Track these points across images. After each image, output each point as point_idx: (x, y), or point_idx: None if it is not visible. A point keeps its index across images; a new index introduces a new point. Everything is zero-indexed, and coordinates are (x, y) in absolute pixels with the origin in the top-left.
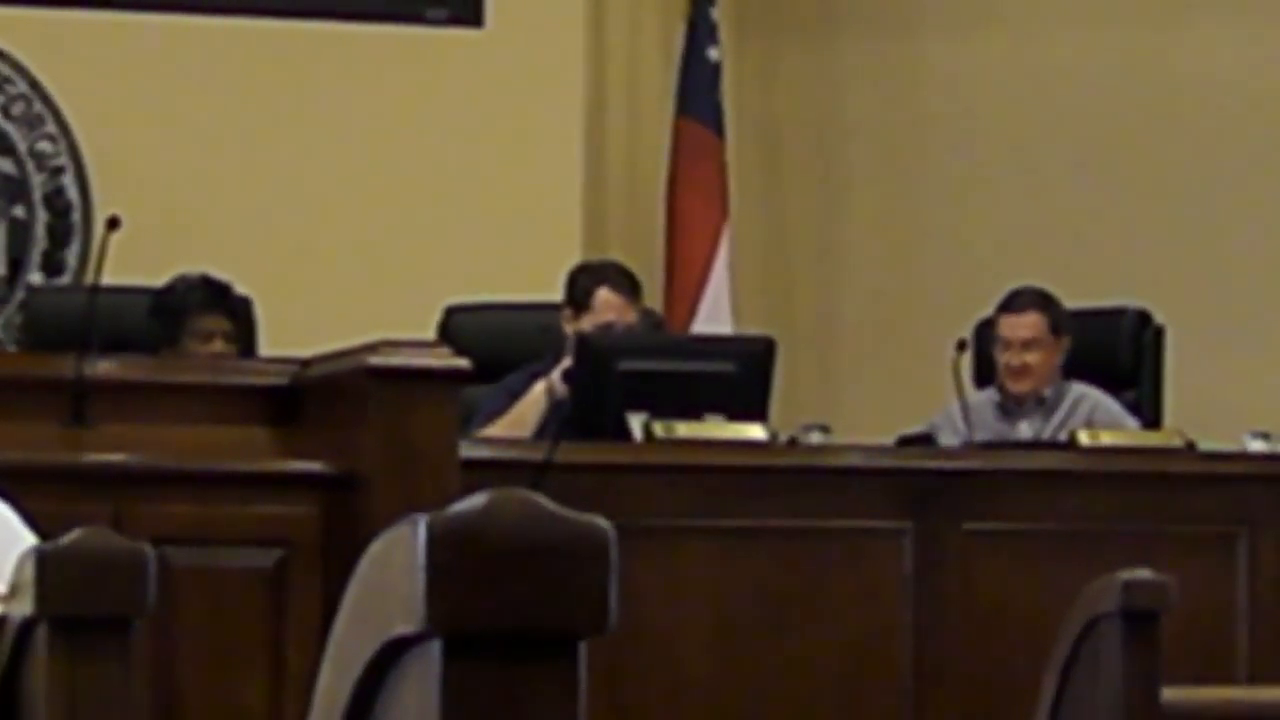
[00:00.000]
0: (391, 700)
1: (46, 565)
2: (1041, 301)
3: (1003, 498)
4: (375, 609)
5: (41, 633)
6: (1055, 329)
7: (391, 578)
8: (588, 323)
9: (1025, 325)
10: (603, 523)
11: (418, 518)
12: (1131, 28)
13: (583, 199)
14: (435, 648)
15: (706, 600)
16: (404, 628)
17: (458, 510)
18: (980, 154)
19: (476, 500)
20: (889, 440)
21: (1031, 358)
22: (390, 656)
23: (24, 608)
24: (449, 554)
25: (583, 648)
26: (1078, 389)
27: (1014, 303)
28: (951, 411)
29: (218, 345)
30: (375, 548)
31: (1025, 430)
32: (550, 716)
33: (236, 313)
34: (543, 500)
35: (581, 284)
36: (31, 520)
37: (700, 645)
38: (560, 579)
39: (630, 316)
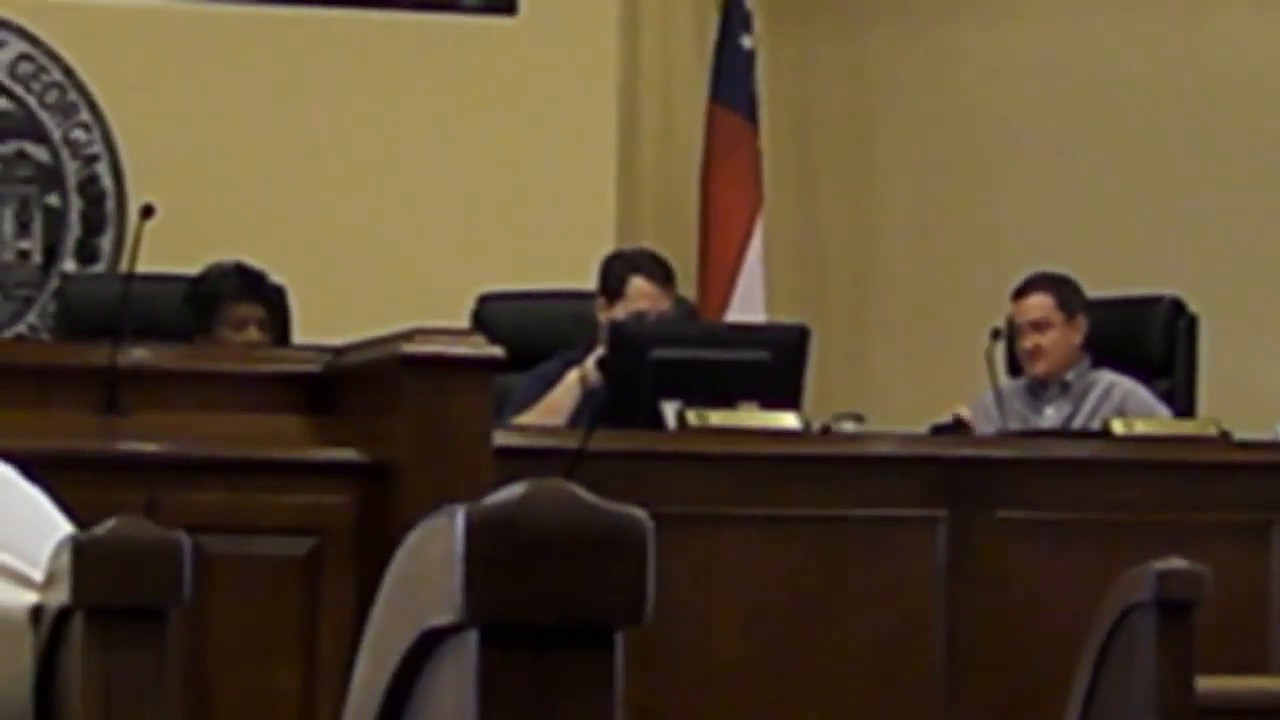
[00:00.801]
0: (428, 690)
1: (82, 554)
2: (1048, 283)
3: (1036, 487)
4: (412, 599)
5: (77, 622)
6: (1065, 308)
7: (429, 568)
8: (621, 311)
9: (1033, 307)
10: (640, 513)
11: (455, 508)
12: (1165, 15)
13: (616, 187)
14: (472, 638)
15: (739, 589)
16: (441, 618)
17: (495, 500)
18: (1014, 142)
19: (514, 490)
20: (922, 429)
21: (1043, 339)
22: (427, 646)
23: (59, 597)
24: (486, 544)
25: (619, 638)
26: (1109, 378)
27: (1021, 287)
28: (985, 401)
29: (252, 333)
30: (412, 538)
31: (1051, 415)
32: (586, 706)
33: (271, 301)
34: (580, 491)
35: (615, 272)
36: (67, 508)
37: (733, 633)
38: (598, 570)
39: (664, 305)
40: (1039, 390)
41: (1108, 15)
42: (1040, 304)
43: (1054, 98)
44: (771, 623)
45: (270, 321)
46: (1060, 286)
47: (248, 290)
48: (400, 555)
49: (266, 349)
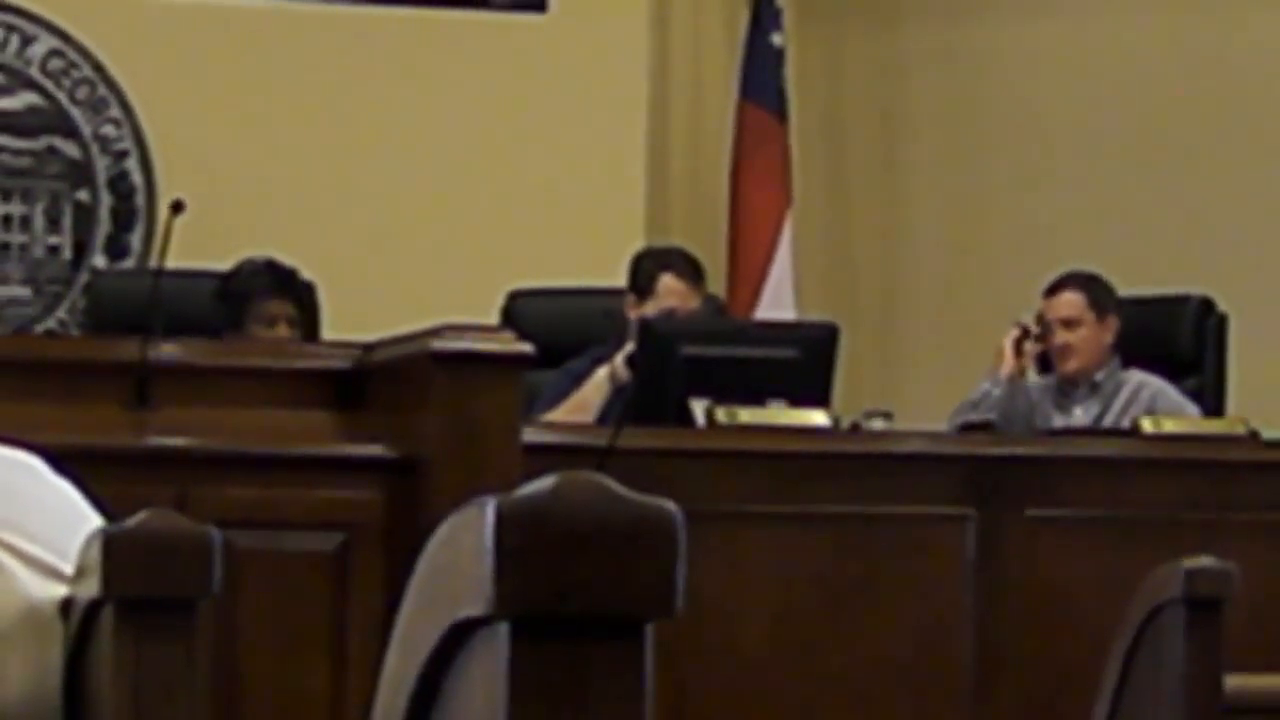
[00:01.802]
0: (459, 682)
1: (113, 547)
2: (1080, 281)
3: (1065, 485)
4: (443, 591)
5: (107, 614)
6: (1096, 307)
7: (460, 560)
8: (651, 308)
9: (1063, 304)
10: (671, 506)
11: (486, 500)
12: (1196, 14)
13: (646, 184)
14: (503, 629)
15: (768, 586)
16: (472, 610)
17: (526, 492)
18: (1043, 140)
19: (545, 483)
20: (952, 427)
21: (1073, 336)
22: (458, 638)
23: (90, 589)
24: (517, 536)
25: (650, 630)
26: (1138, 377)
27: (1054, 285)
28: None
29: (282, 330)
30: (443, 530)
31: (1080, 415)
32: (617, 698)
33: (301, 297)
34: (611, 483)
35: (645, 269)
36: (98, 503)
37: (761, 631)
38: (628, 562)
39: (693, 303)
40: (1068, 390)
41: (1139, 13)
42: (1072, 302)
43: (1084, 95)
44: (800, 621)
45: (300, 318)
46: (1092, 285)
47: (279, 287)
48: (431, 547)
49: (296, 345)
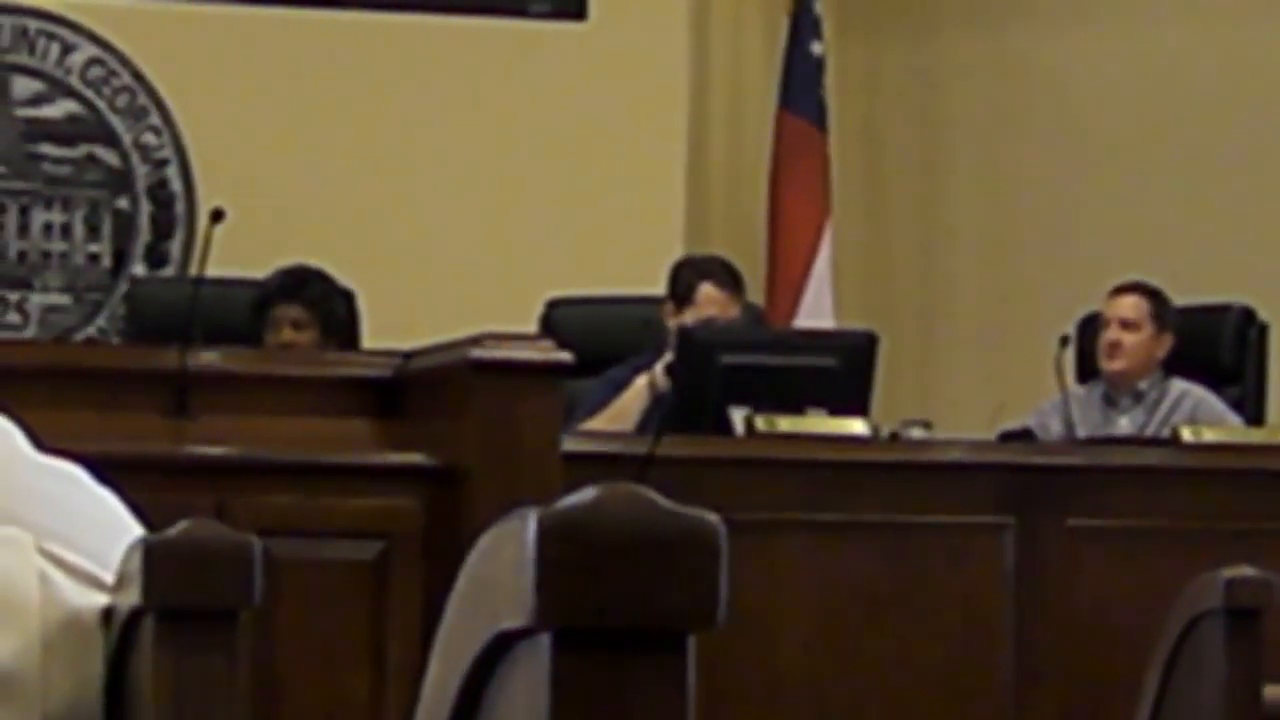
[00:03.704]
0: (500, 693)
1: (153, 556)
2: (1147, 290)
3: (1105, 494)
4: (485, 602)
5: (148, 624)
6: (1157, 319)
7: (501, 571)
8: (689, 317)
9: (1127, 305)
10: (713, 517)
11: (528, 511)
12: (1235, 21)
13: (685, 193)
14: (544, 641)
15: (807, 595)
16: (513, 621)
17: (568, 504)
18: (1082, 149)
19: (587, 494)
20: (991, 436)
21: (1127, 337)
22: (499, 649)
23: (130, 598)
24: (559, 548)
25: (692, 641)
26: (1180, 386)
27: (1121, 286)
28: (1057, 402)
29: (287, 334)
30: (485, 541)
31: (1125, 425)
32: (659, 709)
33: (315, 302)
34: (653, 495)
35: (684, 278)
36: (137, 511)
37: (800, 640)
38: (670, 573)
39: (732, 312)
40: (1113, 400)
41: (1177, 22)
42: (1136, 304)
43: (1123, 105)
44: (839, 630)
45: (313, 321)
46: (1158, 297)
47: (289, 290)
48: (473, 558)
49: (335, 353)
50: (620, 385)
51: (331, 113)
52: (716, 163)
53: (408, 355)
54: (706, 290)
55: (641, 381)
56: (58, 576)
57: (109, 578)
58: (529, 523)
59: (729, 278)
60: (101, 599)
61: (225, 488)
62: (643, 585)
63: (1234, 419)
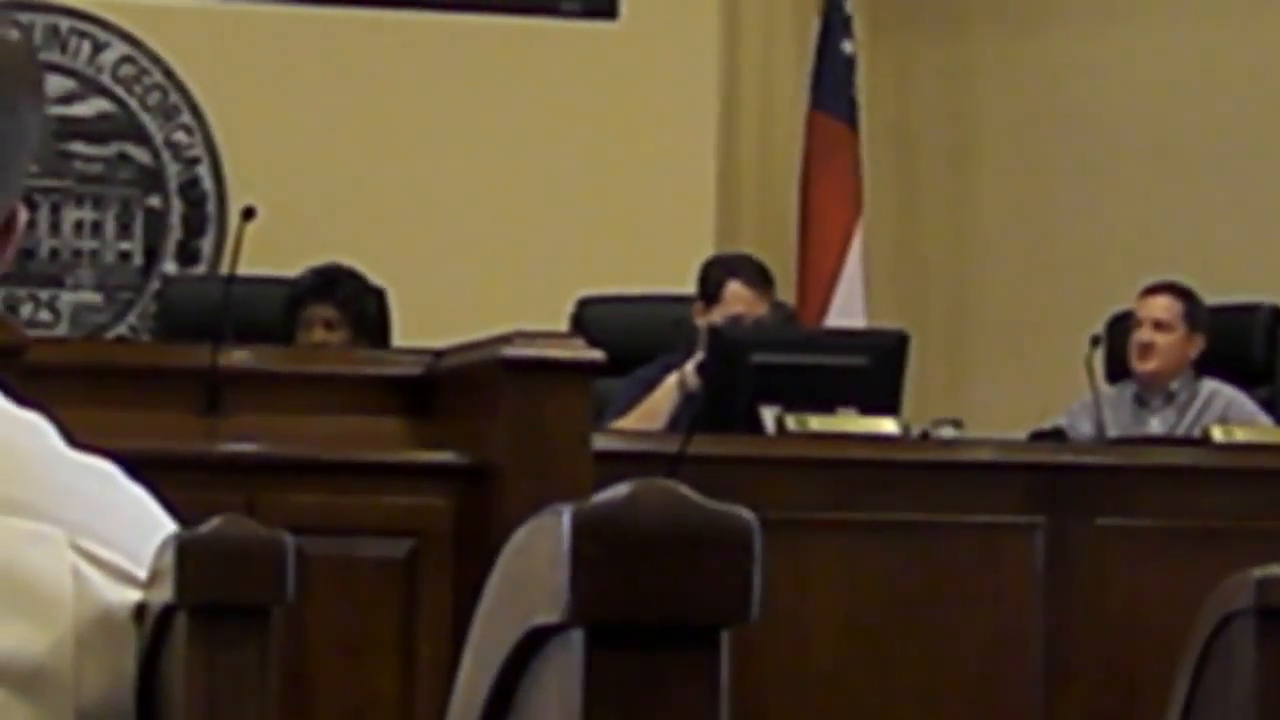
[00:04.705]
0: (534, 689)
1: (186, 552)
2: (1180, 290)
3: (1136, 494)
4: (518, 598)
5: (180, 620)
6: (1189, 320)
7: (535, 567)
8: (717, 315)
9: (1160, 306)
10: (746, 513)
11: (562, 507)
12: (1268, 21)
13: (716, 192)
14: (578, 637)
15: (837, 594)
16: (547, 617)
17: (602, 500)
18: (1114, 148)
19: (621, 490)
20: (1021, 435)
21: (1159, 338)
22: (532, 646)
23: (163, 595)
24: (593, 544)
25: (725, 637)
26: (1210, 385)
27: (1153, 286)
28: (1088, 402)
29: (318, 334)
30: (518, 537)
31: (1156, 426)
32: (692, 705)
33: (347, 301)
34: (687, 490)
35: (713, 277)
36: (169, 508)
37: (830, 638)
38: (705, 569)
39: (760, 310)
40: (1145, 400)
41: (1209, 20)
42: (1168, 305)
43: (1154, 103)
44: (868, 629)
45: (345, 321)
46: (1191, 298)
47: (320, 290)
48: (506, 554)
49: (365, 351)
50: (650, 384)
51: (363, 111)
52: (747, 162)
53: (439, 353)
54: (734, 288)
55: (672, 380)
56: (91, 572)
57: (142, 574)
58: (564, 518)
59: (757, 275)
60: (135, 595)
61: (256, 486)
62: (677, 581)
63: (1265, 419)
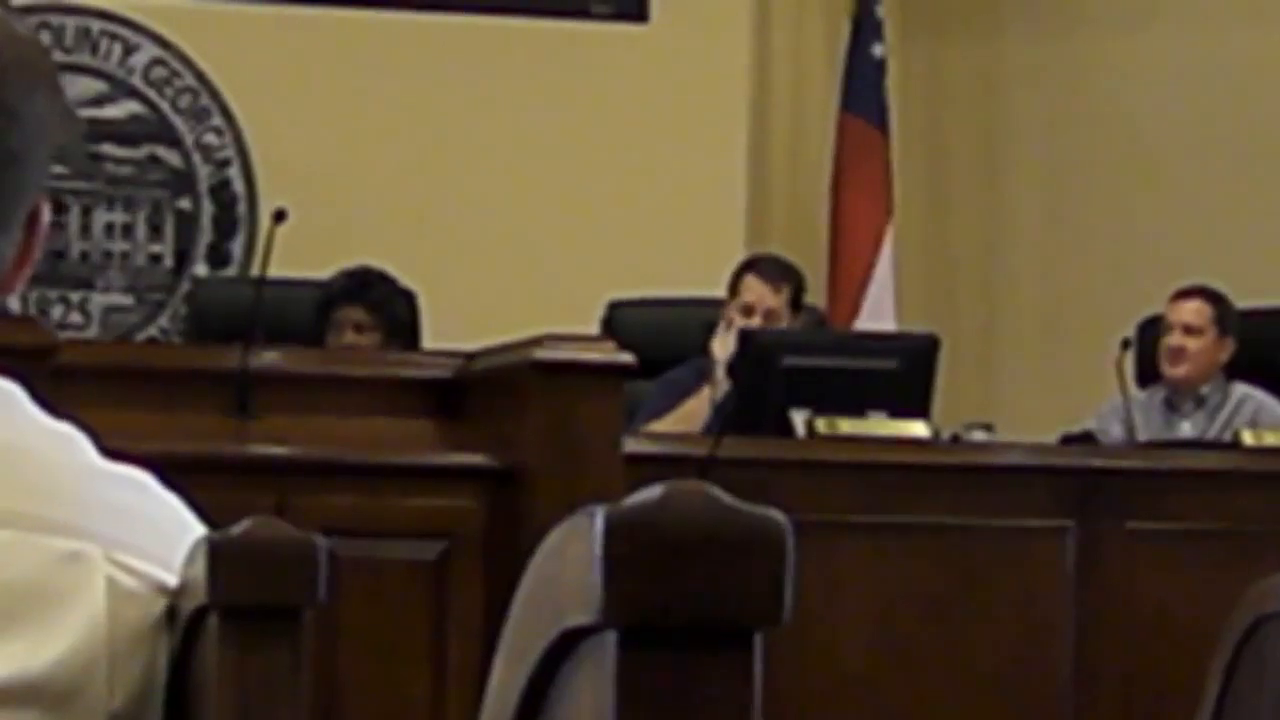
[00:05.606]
0: (566, 690)
1: (218, 554)
2: (1210, 294)
3: (1166, 497)
4: (551, 600)
5: (212, 622)
6: (1220, 324)
7: (568, 568)
8: (735, 308)
9: (1190, 310)
10: (778, 515)
11: (595, 509)
12: None
13: (747, 195)
14: (611, 638)
15: (867, 597)
16: (579, 619)
17: (635, 502)
18: (1145, 152)
19: (653, 492)
20: (1052, 439)
21: (1190, 343)
22: (565, 647)
23: (195, 597)
24: (626, 545)
25: (759, 639)
26: (1241, 390)
27: (1184, 290)
28: (1117, 405)
29: (349, 336)
30: (552, 538)
31: (1187, 430)
32: (726, 707)
33: (379, 304)
34: (720, 492)
35: (736, 272)
36: (200, 511)
37: (860, 641)
38: (737, 570)
39: (772, 302)
40: (1175, 404)
41: (1240, 24)
42: (1199, 309)
43: (1186, 107)
44: (899, 632)
45: (378, 324)
46: (1221, 302)
47: (352, 293)
48: (539, 556)
49: (397, 354)
50: (682, 387)
51: (393, 113)
52: (778, 165)
53: (470, 356)
54: (748, 280)
55: (705, 393)
56: (126, 586)
57: (173, 580)
58: (596, 520)
59: (773, 269)
60: (165, 598)
61: (286, 488)
62: (710, 583)
63: None
